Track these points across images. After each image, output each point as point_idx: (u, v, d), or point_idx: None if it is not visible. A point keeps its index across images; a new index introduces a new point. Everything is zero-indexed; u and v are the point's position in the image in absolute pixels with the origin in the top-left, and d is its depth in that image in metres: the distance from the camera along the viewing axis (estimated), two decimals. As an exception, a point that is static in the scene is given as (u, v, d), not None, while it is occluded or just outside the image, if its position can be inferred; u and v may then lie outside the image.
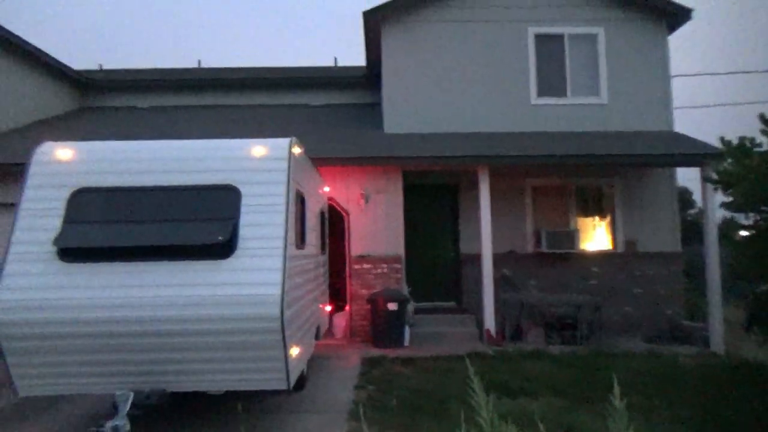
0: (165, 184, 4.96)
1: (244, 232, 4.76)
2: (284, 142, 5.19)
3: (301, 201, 5.75)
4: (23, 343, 4.53)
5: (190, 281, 4.60)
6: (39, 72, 13.11)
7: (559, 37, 11.23)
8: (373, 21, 11.15)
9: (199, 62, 16.49)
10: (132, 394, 4.18)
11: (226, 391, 5.05)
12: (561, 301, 10.16)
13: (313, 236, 6.65)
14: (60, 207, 4.86)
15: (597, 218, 11.26)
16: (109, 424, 3.93)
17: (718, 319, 9.43)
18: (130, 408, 4.39)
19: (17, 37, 12.20)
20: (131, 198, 4.93)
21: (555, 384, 7.01)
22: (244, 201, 4.87)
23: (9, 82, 12.11)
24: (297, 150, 5.39)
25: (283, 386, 4.81)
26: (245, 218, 4.80)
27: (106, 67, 16.29)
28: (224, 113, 13.81)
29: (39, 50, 13.01)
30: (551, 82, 11.20)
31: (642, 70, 11.13)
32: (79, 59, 15.62)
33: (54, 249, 4.68)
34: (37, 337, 4.51)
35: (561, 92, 11.20)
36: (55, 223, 4.80)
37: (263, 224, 4.79)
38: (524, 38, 11.20)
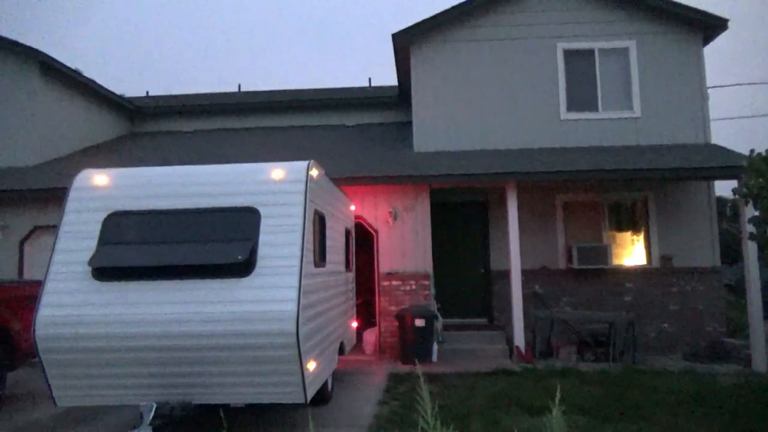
0: (191, 207, 5.28)
1: (262, 251, 5.00)
2: (302, 165, 5.44)
3: (320, 221, 5.97)
4: (60, 356, 4.89)
5: (213, 298, 4.87)
6: (92, 101, 13.95)
7: (589, 52, 11.21)
8: (401, 42, 11.42)
9: (239, 86, 17.16)
10: (155, 405, 4.46)
11: (250, 405, 5.28)
12: (593, 318, 10.03)
13: (336, 254, 6.86)
14: (95, 229, 5.24)
15: (631, 233, 11.08)
16: (134, 433, 4.21)
17: (760, 336, 9.11)
18: (156, 418, 4.66)
19: (72, 69, 13.08)
20: (160, 220, 5.26)
21: (580, 402, 6.94)
22: (264, 222, 5.13)
23: (64, 112, 12.94)
24: (315, 172, 5.63)
25: (300, 400, 4.99)
26: (264, 238, 5.05)
27: (152, 93, 17.15)
28: (263, 135, 14.32)
29: (92, 81, 13.88)
30: (581, 97, 11.17)
31: (676, 82, 10.97)
32: (128, 86, 16.53)
33: (89, 268, 5.04)
34: (72, 351, 4.86)
35: (592, 107, 11.15)
36: (91, 245, 5.17)
37: (281, 244, 5.03)
38: (553, 54, 11.23)
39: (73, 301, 4.95)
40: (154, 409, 4.39)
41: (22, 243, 10.42)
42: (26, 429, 6.14)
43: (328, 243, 6.32)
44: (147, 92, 17.15)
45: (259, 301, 4.81)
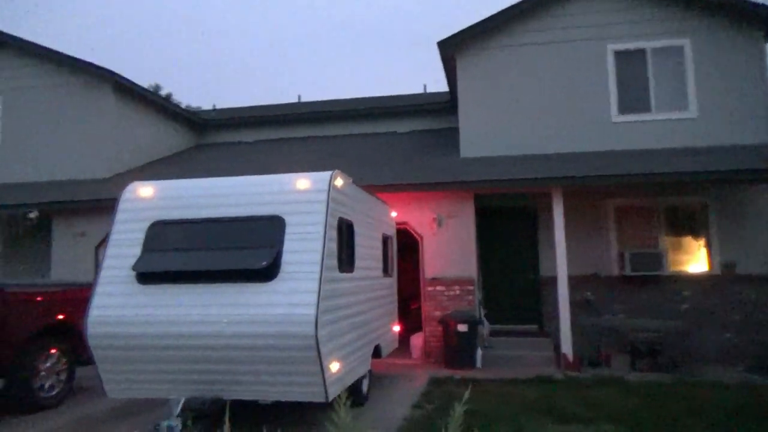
0: (223, 216, 5.67)
1: (286, 257, 5.31)
2: (326, 175, 5.71)
3: (348, 228, 6.22)
4: (108, 352, 5.40)
5: (240, 301, 5.22)
6: (162, 116, 14.97)
7: (641, 52, 10.87)
8: (447, 50, 11.54)
9: (299, 97, 17.82)
10: (183, 399, 4.84)
11: (279, 403, 5.58)
12: (646, 326, 9.69)
13: (368, 260, 7.08)
14: (140, 237, 5.74)
15: (689, 239, 10.61)
16: (164, 423, 4.59)
17: (831, 349, 8.51)
18: (191, 412, 5.05)
19: (142, 87, 14.10)
20: (195, 228, 5.69)
21: (617, 412, 6.78)
22: (288, 230, 5.43)
23: (136, 127, 13.97)
24: (340, 182, 5.88)
25: (321, 399, 5.25)
26: (288, 245, 5.36)
27: (219, 106, 18.13)
28: (318, 144, 14.82)
29: (162, 98, 14.95)
30: (633, 99, 10.85)
31: (735, 80, 10.43)
32: (197, 99, 17.57)
33: (133, 273, 5.53)
34: (118, 348, 5.36)
35: (644, 108, 10.80)
36: (136, 251, 5.67)
37: (303, 250, 5.31)
38: (603, 56, 10.98)
39: (119, 303, 5.45)
40: (182, 402, 4.76)
41: (97, 248, 11.35)
42: (88, 418, 6.76)
43: (358, 249, 6.55)
44: (214, 106, 18.16)
45: (282, 304, 5.11)
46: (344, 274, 5.96)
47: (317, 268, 5.19)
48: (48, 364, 7.17)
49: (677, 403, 7.12)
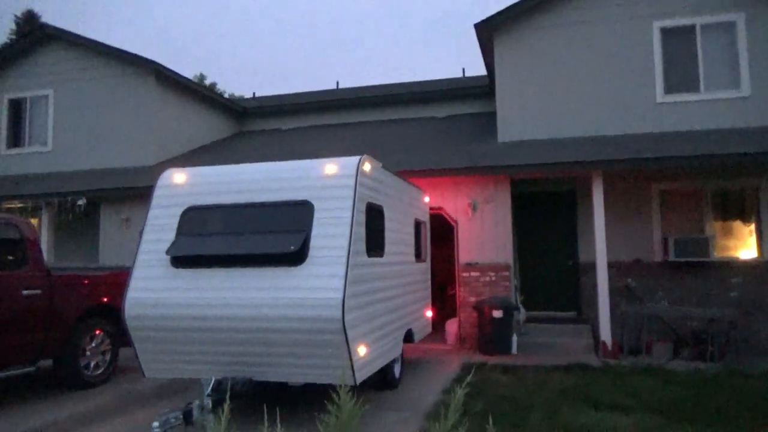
0: (254, 201, 5.75)
1: (314, 242, 5.35)
2: (354, 160, 5.70)
3: (377, 213, 6.21)
4: (145, 333, 5.58)
5: (269, 285, 5.30)
6: (203, 105, 15.28)
7: (690, 29, 10.39)
8: (484, 32, 11.31)
9: (337, 83, 17.86)
10: (213, 379, 4.96)
11: (310, 385, 5.66)
12: (690, 314, 9.36)
13: (399, 245, 7.06)
14: (174, 222, 5.88)
15: (738, 223, 10.15)
16: (196, 403, 4.72)
17: None
18: (222, 392, 5.18)
19: (185, 77, 14.40)
20: (227, 214, 5.80)
21: (656, 401, 6.59)
22: (317, 215, 5.46)
23: (179, 116, 14.31)
24: (368, 167, 5.86)
25: (349, 382, 5.27)
26: (316, 230, 5.39)
27: (259, 93, 18.37)
28: (356, 130, 14.84)
29: (203, 87, 15.27)
30: (681, 78, 10.39)
31: (793, 54, 9.85)
32: (238, 87, 17.89)
33: (168, 257, 5.68)
34: (154, 329, 5.53)
35: (693, 87, 10.33)
36: (171, 236, 5.82)
37: (331, 235, 5.34)
38: (648, 33, 10.54)
39: (154, 286, 5.62)
40: (212, 383, 4.89)
41: (141, 233, 11.70)
42: (131, 395, 7.04)
43: (388, 234, 6.54)
44: (254, 94, 18.40)
45: (310, 288, 5.16)
46: (373, 259, 5.96)
47: (344, 253, 5.21)
48: (93, 345, 7.49)
49: (722, 394, 6.86)
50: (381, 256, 6.26)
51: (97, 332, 7.59)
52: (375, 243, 6.07)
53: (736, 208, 10.18)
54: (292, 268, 5.29)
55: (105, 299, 7.73)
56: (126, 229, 11.74)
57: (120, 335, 7.81)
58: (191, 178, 6.09)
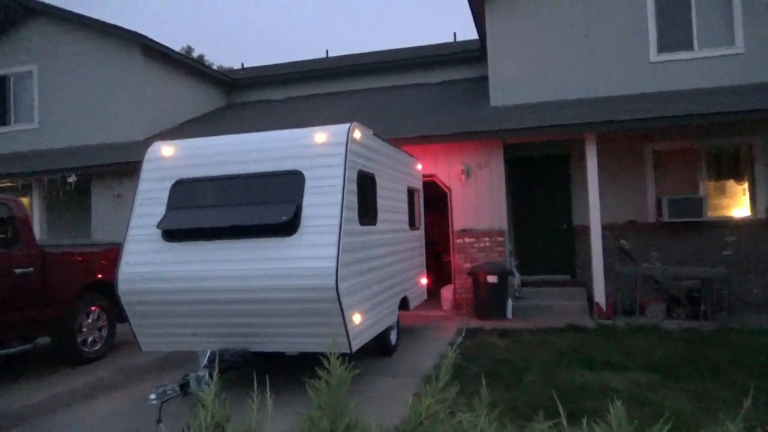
0: (244, 172, 5.68)
1: (306, 211, 5.30)
2: (344, 128, 5.62)
3: (369, 180, 6.16)
4: (139, 307, 5.58)
5: (262, 256, 5.28)
6: (191, 77, 15.04)
7: (683, -15, 10.19)
8: (475, -6, 11.08)
9: (327, 52, 17.55)
10: (209, 351, 4.98)
11: (306, 354, 5.69)
12: (683, 273, 9.42)
13: (392, 212, 7.03)
14: (164, 196, 5.82)
15: (732, 182, 10.14)
16: (193, 375, 4.75)
17: None
18: (220, 363, 5.19)
19: (170, 49, 14.12)
20: (217, 186, 5.73)
21: (650, 360, 6.66)
22: (307, 184, 5.41)
23: (167, 89, 14.09)
24: (358, 134, 5.79)
25: (345, 350, 5.30)
26: (308, 199, 5.34)
27: (247, 65, 18.07)
28: (348, 98, 14.66)
29: (191, 59, 14.99)
30: (674, 36, 10.25)
31: (787, 10, 9.69)
32: (227, 59, 17.57)
33: (159, 231, 5.64)
34: (148, 303, 5.52)
35: (686, 46, 10.20)
36: (161, 210, 5.76)
37: (323, 204, 5.29)
38: (641, -9, 10.34)
39: (146, 260, 5.59)
40: (208, 354, 4.91)
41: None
42: (130, 369, 7.08)
43: (381, 202, 6.50)
44: (242, 65, 18.10)
45: (303, 258, 5.14)
46: (366, 227, 5.93)
47: (337, 222, 5.17)
48: (90, 321, 7.50)
49: (716, 351, 6.94)
50: (374, 224, 6.23)
51: (94, 308, 7.60)
52: (367, 211, 6.03)
53: (729, 167, 10.16)
54: (285, 239, 5.26)
55: (100, 276, 7.72)
56: (118, 205, 11.66)
57: (116, 311, 7.83)
58: (180, 150, 6.00)
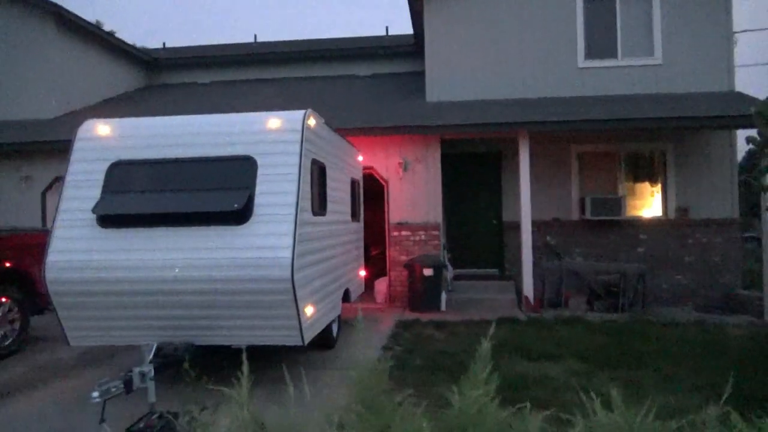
0: (190, 156, 5.37)
1: (259, 200, 5.10)
2: (298, 114, 5.45)
3: (320, 170, 6.02)
4: (69, 299, 5.13)
5: (211, 245, 5.02)
6: (108, 54, 14.03)
7: (610, -4, 10.77)
8: (415, -11, 11.12)
9: (255, 37, 17.01)
10: (155, 345, 4.67)
11: (253, 347, 5.48)
12: (604, 269, 10.01)
13: (338, 204, 6.93)
14: (99, 178, 5.39)
15: (647, 184, 10.88)
16: (137, 370, 4.43)
17: (774, 288, 8.99)
18: (160, 357, 4.88)
19: (87, 21, 13.12)
20: (160, 169, 5.38)
21: (582, 350, 7.02)
22: (260, 171, 5.20)
23: (81, 65, 13.07)
24: (312, 122, 5.64)
25: (297, 342, 5.18)
26: (261, 187, 5.14)
27: (168, 45, 17.14)
28: (277, 86, 14.27)
29: (108, 34, 13.96)
30: (600, 44, 10.81)
31: (701, 26, 10.50)
32: (144, 38, 16.61)
33: (94, 216, 5.21)
34: (80, 294, 5.10)
35: (611, 54, 10.80)
36: (96, 193, 5.33)
37: (277, 192, 5.11)
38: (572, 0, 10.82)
39: (79, 247, 5.15)
40: (154, 348, 4.61)
41: (44, 193, 10.75)
42: (48, 365, 6.51)
43: (330, 192, 6.38)
44: (164, 44, 17.17)
45: (256, 248, 4.94)
46: (317, 218, 5.81)
47: (292, 211, 5.02)
48: (0, 314, 6.82)
49: (639, 341, 7.41)
50: (324, 215, 6.11)
51: (4, 300, 6.91)
52: (319, 201, 5.90)
53: (645, 171, 10.89)
54: (236, 227, 5.03)
55: (8, 264, 7.03)
56: (26, 188, 10.70)
57: (30, 302, 7.20)
58: (118, 129, 5.58)
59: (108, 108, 12.64)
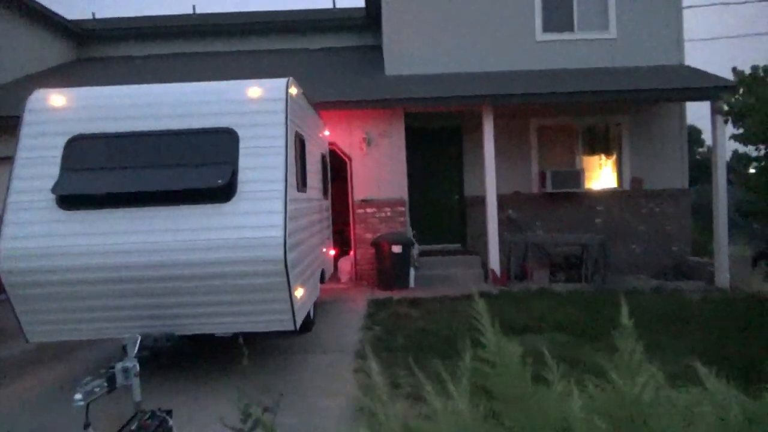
0: (162, 128, 4.87)
1: (243, 175, 4.69)
2: (281, 82, 5.05)
3: (301, 143, 5.65)
4: (27, 290, 4.57)
5: (191, 226, 4.58)
6: (34, 24, 12.78)
7: (566, -31, 10.77)
8: (370, -43, 10.71)
9: (194, 8, 16.01)
10: (139, 337, 4.22)
11: (234, 335, 5.10)
12: (565, 240, 10.15)
13: (314, 180, 6.58)
14: (57, 155, 4.79)
15: (604, 157, 11.11)
16: (119, 366, 3.98)
17: (724, 254, 9.40)
18: (140, 350, 4.43)
19: (4, -15, 11.83)
20: (129, 144, 4.85)
21: (558, 321, 7.05)
22: (242, 144, 4.78)
23: (4, 35, 11.83)
24: (294, 91, 5.25)
25: (289, 327, 4.86)
26: (244, 161, 4.73)
27: (99, 15, 15.87)
28: (221, 60, 13.50)
29: (32, 1, 12.65)
30: (557, 17, 10.83)
31: (653, 1, 10.70)
32: (68, 7, 15.28)
33: (52, 197, 4.64)
34: (40, 285, 4.54)
35: (567, 27, 10.84)
36: (53, 171, 4.74)
37: (262, 167, 4.72)
38: (529, -29, 10.75)
39: (37, 232, 4.58)
40: (138, 341, 4.17)
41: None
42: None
43: (308, 168, 6.02)
44: (93, 14, 15.87)
45: (243, 227, 4.55)
46: (300, 195, 5.45)
47: (281, 186, 4.65)
48: (-65, 310, 6.06)
49: (609, 311, 7.51)
50: (305, 192, 5.76)
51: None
52: (301, 177, 5.54)
53: (602, 143, 11.09)
54: (220, 205, 4.62)
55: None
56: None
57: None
58: (75, 100, 4.97)
59: (35, 83, 11.49)
